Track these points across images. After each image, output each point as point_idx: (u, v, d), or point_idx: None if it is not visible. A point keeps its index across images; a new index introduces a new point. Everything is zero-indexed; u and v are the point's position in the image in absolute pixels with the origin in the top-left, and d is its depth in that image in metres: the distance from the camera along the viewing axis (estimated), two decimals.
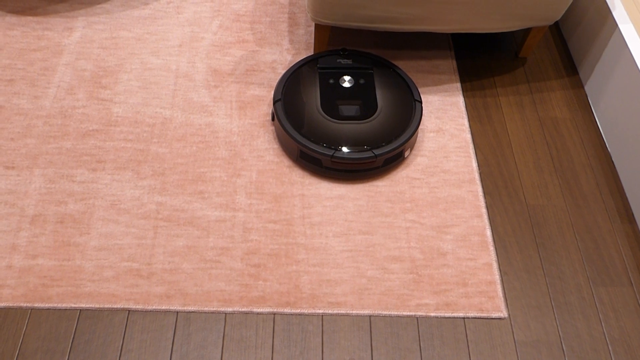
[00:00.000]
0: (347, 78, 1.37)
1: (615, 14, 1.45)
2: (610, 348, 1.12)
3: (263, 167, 1.32)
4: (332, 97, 1.35)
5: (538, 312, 1.16)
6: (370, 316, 1.12)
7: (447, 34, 1.64)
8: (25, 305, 1.09)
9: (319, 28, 1.46)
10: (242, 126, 1.39)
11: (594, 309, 1.17)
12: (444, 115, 1.46)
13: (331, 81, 1.38)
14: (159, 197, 1.25)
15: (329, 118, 1.31)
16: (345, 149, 1.26)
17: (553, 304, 1.17)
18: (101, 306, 1.10)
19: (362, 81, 1.39)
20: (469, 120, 1.46)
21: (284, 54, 1.55)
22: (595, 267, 1.23)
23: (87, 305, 1.10)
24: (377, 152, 1.26)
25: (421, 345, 1.10)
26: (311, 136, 1.27)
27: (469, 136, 1.42)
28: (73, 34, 1.55)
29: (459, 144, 1.40)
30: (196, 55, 1.54)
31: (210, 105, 1.43)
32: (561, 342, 1.12)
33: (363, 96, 1.36)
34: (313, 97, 1.34)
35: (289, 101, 1.33)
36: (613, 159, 1.42)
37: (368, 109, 1.34)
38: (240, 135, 1.37)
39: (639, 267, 1.24)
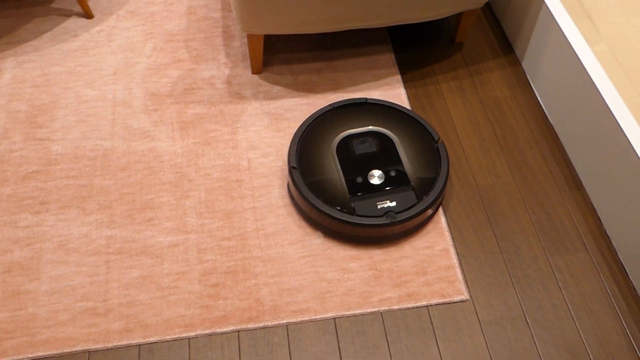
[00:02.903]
0: (376, 173, 1.23)
1: None
2: (572, 314, 1.14)
3: (211, 185, 1.30)
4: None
5: (499, 289, 1.17)
6: (334, 318, 1.12)
7: (382, 28, 1.65)
8: None
9: (252, 38, 1.46)
10: (185, 147, 1.37)
11: (553, 278, 1.19)
12: None
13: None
14: (107, 230, 1.22)
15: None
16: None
17: (512, 280, 1.18)
18: (59, 352, 1.07)
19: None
20: (412, 110, 1.47)
21: (221, 68, 1.54)
22: (549, 237, 1.25)
23: (45, 353, 1.06)
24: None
25: (388, 339, 1.09)
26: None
27: None
28: (3, 75, 1.51)
29: None
30: (132, 81, 1.51)
31: (151, 130, 1.41)
32: (524, 315, 1.14)
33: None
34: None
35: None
36: (556, 130, 1.44)
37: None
38: (184, 156, 1.36)
39: (592, 231, 1.26)
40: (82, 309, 1.11)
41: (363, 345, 1.08)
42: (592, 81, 1.27)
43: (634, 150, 1.14)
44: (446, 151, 1.27)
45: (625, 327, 1.13)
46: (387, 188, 1.20)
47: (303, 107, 1.47)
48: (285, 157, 1.36)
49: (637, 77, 1.32)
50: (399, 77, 1.54)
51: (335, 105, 1.34)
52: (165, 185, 1.30)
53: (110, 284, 1.15)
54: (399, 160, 1.24)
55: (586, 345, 1.10)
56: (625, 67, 1.34)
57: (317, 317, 1.11)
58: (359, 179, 1.20)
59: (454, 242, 1.23)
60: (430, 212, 1.21)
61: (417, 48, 1.62)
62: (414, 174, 1.22)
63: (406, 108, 1.35)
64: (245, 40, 1.61)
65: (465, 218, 1.27)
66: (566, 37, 1.36)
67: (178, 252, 1.19)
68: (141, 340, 1.08)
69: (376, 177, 1.21)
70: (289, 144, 1.39)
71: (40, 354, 1.06)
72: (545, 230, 1.26)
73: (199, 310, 1.11)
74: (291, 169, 1.21)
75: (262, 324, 1.10)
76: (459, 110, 1.48)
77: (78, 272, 1.16)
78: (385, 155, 1.25)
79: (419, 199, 1.18)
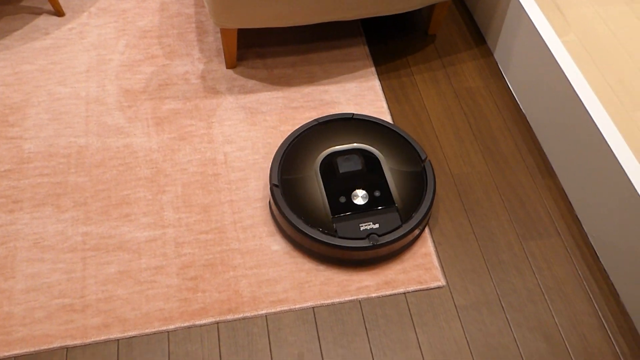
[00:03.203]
0: (359, 193, 1.18)
1: None
2: (546, 297, 1.16)
3: (187, 179, 1.30)
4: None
5: (474, 275, 1.19)
6: (313, 308, 1.12)
7: (356, 20, 1.66)
8: None
9: (225, 33, 1.46)
10: (161, 142, 1.37)
11: (527, 263, 1.21)
12: (363, 100, 1.48)
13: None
14: (83, 227, 1.22)
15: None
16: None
17: (488, 265, 1.20)
18: (37, 349, 1.06)
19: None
20: (387, 102, 1.49)
21: (195, 63, 1.54)
22: (523, 223, 1.27)
23: (22, 351, 1.05)
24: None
25: (367, 326, 1.11)
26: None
27: (389, 117, 1.45)
28: None
29: None
30: (105, 78, 1.50)
31: (126, 126, 1.40)
32: (500, 299, 1.16)
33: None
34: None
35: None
36: (528, 119, 1.47)
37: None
38: (160, 151, 1.35)
39: (564, 217, 1.29)
40: (59, 306, 1.11)
41: (342, 332, 1.09)
42: (562, 71, 1.29)
43: (603, 137, 1.17)
44: (433, 171, 1.23)
45: (597, 308, 1.15)
46: (371, 209, 1.15)
47: (278, 100, 1.47)
48: (262, 151, 1.37)
49: (605, 66, 1.35)
50: (373, 69, 1.56)
51: (320, 121, 1.30)
52: (141, 180, 1.30)
53: (87, 280, 1.14)
54: (383, 180, 1.19)
55: (559, 327, 1.13)
56: (594, 57, 1.37)
57: (296, 306, 1.12)
58: (342, 199, 1.16)
59: (430, 229, 1.25)
60: (414, 234, 1.17)
61: (390, 40, 1.63)
62: (399, 194, 1.17)
63: (393, 125, 1.31)
64: (219, 35, 1.61)
65: (441, 206, 1.29)
66: (536, 28, 1.39)
67: (155, 247, 1.19)
68: (120, 335, 1.07)
69: (360, 197, 1.17)
70: (264, 137, 1.40)
71: (17, 352, 1.05)
72: (518, 217, 1.28)
73: (178, 303, 1.11)
74: (273, 186, 1.16)
75: (241, 315, 1.10)
76: (433, 101, 1.50)
77: (54, 270, 1.15)
78: (370, 174, 1.20)
79: (403, 221, 1.14)
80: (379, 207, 1.15)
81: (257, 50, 1.58)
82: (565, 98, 1.29)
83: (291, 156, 1.23)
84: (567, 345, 1.10)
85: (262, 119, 1.43)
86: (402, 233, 1.13)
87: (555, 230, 1.27)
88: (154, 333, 1.08)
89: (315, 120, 1.30)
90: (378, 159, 1.23)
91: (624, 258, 1.15)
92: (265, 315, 1.11)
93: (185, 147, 1.36)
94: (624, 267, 1.15)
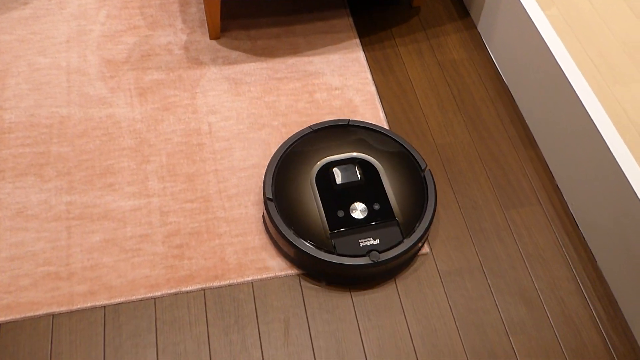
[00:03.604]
0: (359, 206, 1.12)
1: None
2: (527, 263, 1.19)
3: (172, 149, 1.30)
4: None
5: (457, 242, 1.21)
6: (299, 275, 1.14)
7: None
8: None
9: (208, 3, 1.44)
10: (144, 112, 1.36)
11: (508, 230, 1.23)
12: (347, 71, 1.48)
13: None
14: (67, 197, 1.21)
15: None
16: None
17: (470, 233, 1.23)
18: (22, 316, 1.05)
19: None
20: (371, 74, 1.49)
21: (178, 34, 1.52)
22: (505, 192, 1.29)
23: (7, 318, 1.05)
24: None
25: (351, 293, 1.12)
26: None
27: (373, 89, 1.45)
28: None
29: (365, 97, 1.43)
30: (86, 49, 1.48)
31: (109, 96, 1.39)
32: (482, 266, 1.18)
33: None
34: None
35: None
36: (511, 91, 1.49)
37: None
38: (144, 122, 1.34)
39: (545, 186, 1.31)
40: (44, 274, 1.10)
41: (327, 298, 1.11)
42: (545, 43, 1.31)
43: (585, 109, 1.19)
44: (434, 181, 1.17)
45: (575, 274, 1.19)
46: (371, 223, 1.09)
47: (262, 71, 1.46)
48: (246, 121, 1.37)
49: (586, 40, 1.37)
50: (357, 40, 1.55)
51: (314, 128, 1.23)
52: (125, 150, 1.29)
53: (72, 249, 1.14)
54: (383, 192, 1.13)
55: (539, 292, 1.15)
56: (576, 31, 1.39)
57: (282, 273, 1.13)
58: (341, 213, 1.10)
59: None
60: (416, 249, 1.13)
61: (375, 12, 1.63)
62: (399, 207, 1.12)
63: (390, 131, 1.25)
64: (202, 6, 1.59)
65: None
66: (519, 1, 1.40)
67: (141, 216, 1.19)
68: (106, 302, 1.08)
69: (359, 210, 1.11)
70: (249, 108, 1.40)
71: (2, 319, 1.05)
72: (501, 186, 1.30)
73: (164, 270, 1.12)
74: (267, 200, 1.10)
75: (227, 282, 1.11)
76: (417, 72, 1.51)
77: (38, 238, 1.15)
78: (368, 186, 1.14)
79: (405, 235, 1.09)
80: (379, 221, 1.10)
81: (241, 21, 1.57)
82: (547, 70, 1.31)
83: (285, 167, 1.16)
84: (546, 309, 1.13)
85: (246, 90, 1.42)
86: (404, 249, 1.08)
87: (536, 199, 1.29)
88: (141, 300, 1.09)
89: (309, 127, 1.23)
90: (376, 169, 1.16)
91: (602, 226, 1.17)
92: (252, 282, 1.12)
93: (169, 117, 1.36)
94: (602, 235, 1.18)
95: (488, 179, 1.31)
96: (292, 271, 1.14)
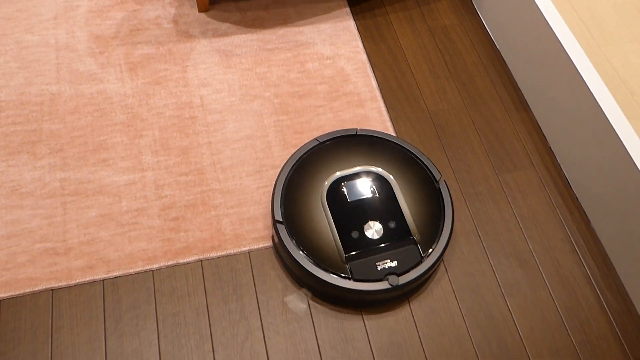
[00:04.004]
0: (373, 225, 1.05)
1: None
2: (521, 225, 1.20)
3: (164, 123, 1.29)
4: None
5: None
6: None
7: None
8: None
9: None
10: (135, 87, 1.35)
11: (503, 194, 1.24)
12: (338, 40, 1.47)
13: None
14: (61, 173, 1.21)
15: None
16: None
17: (465, 197, 1.23)
18: (21, 292, 1.06)
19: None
20: (362, 42, 1.48)
21: (166, 7, 1.50)
22: (498, 156, 1.29)
23: (7, 295, 1.06)
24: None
25: None
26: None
27: (364, 57, 1.44)
28: None
29: (356, 65, 1.42)
30: (74, 25, 1.46)
31: (99, 72, 1.37)
32: (477, 229, 1.19)
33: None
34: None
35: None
36: (502, 55, 1.48)
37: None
38: (135, 96, 1.33)
39: (538, 149, 1.32)
40: (42, 250, 1.11)
41: None
42: (536, 5, 1.30)
43: (576, 69, 1.18)
44: (449, 192, 1.10)
45: (569, 233, 1.20)
46: (387, 243, 1.02)
47: (253, 43, 1.45)
48: (238, 92, 1.36)
49: (576, 1, 1.35)
50: (347, 9, 1.54)
51: (320, 140, 1.14)
52: (117, 126, 1.28)
53: (68, 225, 1.14)
54: (397, 208, 1.05)
55: (533, 253, 1.17)
56: None
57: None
58: (355, 234, 1.03)
59: None
60: (435, 268, 1.06)
61: None
62: (415, 224, 1.04)
63: (400, 139, 1.17)
64: None
65: (419, 142, 1.31)
66: None
67: (136, 190, 1.19)
68: (104, 276, 1.08)
69: (374, 230, 1.03)
70: (240, 79, 1.39)
71: (2, 295, 1.05)
72: (494, 150, 1.30)
73: (161, 243, 1.12)
74: (276, 223, 1.03)
75: (224, 252, 1.12)
76: (408, 39, 1.50)
77: (34, 215, 1.15)
78: (382, 202, 1.06)
79: (423, 255, 1.02)
80: (396, 241, 1.03)
81: None
82: (539, 33, 1.30)
83: (293, 186, 1.08)
84: (541, 269, 1.15)
85: (237, 62, 1.41)
86: (424, 270, 1.01)
87: (530, 162, 1.29)
88: (139, 272, 1.09)
89: (315, 139, 1.14)
90: (389, 183, 1.08)
91: (595, 187, 1.18)
92: (248, 252, 1.13)
93: (160, 91, 1.35)
94: (595, 196, 1.18)
95: (482, 144, 1.31)
96: None
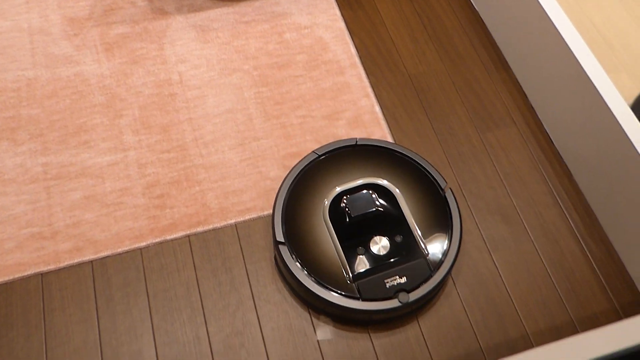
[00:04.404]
0: (379, 241, 1.01)
1: None
2: (504, 182, 1.21)
3: (144, 101, 1.28)
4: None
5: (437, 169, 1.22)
6: None
7: None
8: None
9: None
10: (113, 67, 1.34)
11: (485, 153, 1.25)
12: (315, 9, 1.46)
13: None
14: (42, 158, 1.20)
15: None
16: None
17: (448, 158, 1.24)
18: (11, 277, 1.07)
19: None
20: (340, 10, 1.47)
21: None
22: (480, 116, 1.30)
23: None
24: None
25: None
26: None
27: (342, 25, 1.43)
28: None
29: (334, 33, 1.41)
30: (47, 8, 1.44)
31: (75, 54, 1.36)
32: (461, 188, 1.20)
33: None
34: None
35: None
36: (481, 16, 1.47)
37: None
38: (113, 77, 1.32)
39: (519, 107, 1.32)
40: (28, 235, 1.11)
41: None
42: None
43: (554, 25, 1.18)
44: (456, 201, 1.05)
45: (551, 187, 1.21)
46: (395, 258, 0.98)
47: (229, 16, 1.44)
48: (217, 67, 1.35)
49: None
50: None
51: (319, 153, 1.08)
52: (96, 107, 1.28)
53: (53, 208, 1.14)
54: (403, 220, 1.01)
55: (517, 208, 1.18)
56: None
57: (264, 213, 1.14)
58: (361, 250, 0.98)
59: (390, 129, 1.27)
60: (445, 282, 1.03)
61: None
62: (422, 236, 1.00)
63: (403, 147, 1.12)
64: None
65: (400, 106, 1.31)
66: None
67: (118, 170, 1.19)
68: (93, 257, 1.09)
69: (380, 245, 0.99)
70: (218, 54, 1.38)
71: None
72: (476, 110, 1.31)
73: (147, 221, 1.13)
74: (278, 245, 0.99)
75: (211, 226, 1.12)
76: (386, 5, 1.48)
77: (18, 202, 1.15)
78: (387, 215, 1.02)
79: (433, 269, 0.98)
80: (403, 255, 0.98)
81: None
82: None
83: (293, 203, 1.03)
84: (525, 224, 1.16)
85: (214, 36, 1.40)
86: (434, 285, 0.97)
87: (511, 120, 1.30)
88: (127, 251, 1.10)
89: (313, 152, 1.09)
90: (393, 194, 1.03)
91: (575, 139, 1.19)
92: (235, 224, 1.13)
93: (138, 70, 1.33)
94: (576, 148, 1.19)
95: (463, 105, 1.32)
96: None
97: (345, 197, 1.03)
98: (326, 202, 1.02)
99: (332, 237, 0.99)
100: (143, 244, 1.10)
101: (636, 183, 1.05)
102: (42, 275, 1.07)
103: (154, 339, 1.01)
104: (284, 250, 0.98)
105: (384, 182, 1.05)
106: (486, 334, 1.04)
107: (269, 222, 1.14)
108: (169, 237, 1.11)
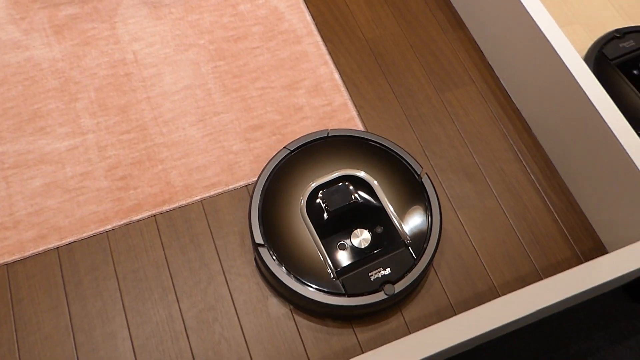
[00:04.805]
0: (360, 234, 0.99)
1: None
2: (466, 140, 1.22)
3: (99, 83, 1.26)
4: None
5: (398, 131, 1.23)
6: (246, 186, 1.15)
7: None
8: None
9: None
10: (64, 50, 1.30)
11: (446, 112, 1.26)
12: None
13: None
14: None
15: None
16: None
17: (409, 120, 1.25)
18: None
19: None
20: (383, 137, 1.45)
21: None
22: (438, 77, 1.30)
23: None
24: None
25: None
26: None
27: None
28: None
29: (289, 2, 1.39)
30: None
31: (23, 39, 1.32)
32: (423, 149, 1.21)
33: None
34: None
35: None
36: None
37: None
38: (65, 60, 1.29)
39: (477, 65, 1.33)
40: None
41: None
42: None
43: None
44: (433, 186, 1.03)
45: (512, 143, 1.23)
46: (377, 250, 0.96)
47: None
48: (172, 43, 1.32)
49: None
50: None
51: (291, 148, 1.06)
52: (50, 92, 1.25)
53: (13, 198, 1.12)
54: (382, 210, 0.99)
55: (479, 166, 1.20)
56: None
57: (229, 187, 1.14)
58: (342, 245, 0.97)
59: (350, 95, 1.27)
60: (429, 270, 1.02)
61: None
62: (403, 225, 0.99)
63: (376, 135, 1.10)
64: None
65: (359, 71, 1.30)
66: None
67: (78, 154, 1.17)
68: (58, 243, 1.07)
69: (361, 238, 0.98)
70: (172, 30, 1.35)
71: None
72: (434, 71, 1.31)
73: (111, 204, 1.12)
74: (257, 247, 0.97)
75: (176, 204, 1.12)
76: None
77: None
78: (365, 207, 1.00)
79: (416, 257, 0.97)
80: (386, 246, 0.97)
81: None
82: None
83: (269, 203, 1.00)
84: (488, 180, 1.18)
85: (167, 12, 1.37)
86: (419, 273, 0.95)
87: (470, 78, 1.31)
88: (92, 235, 1.09)
89: (285, 148, 1.06)
90: (370, 185, 1.02)
91: (533, 94, 1.21)
92: (200, 201, 1.13)
93: (91, 51, 1.30)
94: (534, 102, 1.21)
95: (421, 66, 1.32)
96: (239, 183, 1.15)
97: (321, 192, 1.01)
98: (302, 200, 1.00)
99: (312, 235, 0.97)
100: (109, 226, 1.10)
101: (591, 133, 1.07)
102: (8, 265, 1.06)
103: (126, 320, 1.01)
104: (264, 252, 0.96)
105: (359, 173, 1.03)
106: (455, 290, 1.07)
107: (234, 196, 1.14)
108: (134, 218, 1.10)
